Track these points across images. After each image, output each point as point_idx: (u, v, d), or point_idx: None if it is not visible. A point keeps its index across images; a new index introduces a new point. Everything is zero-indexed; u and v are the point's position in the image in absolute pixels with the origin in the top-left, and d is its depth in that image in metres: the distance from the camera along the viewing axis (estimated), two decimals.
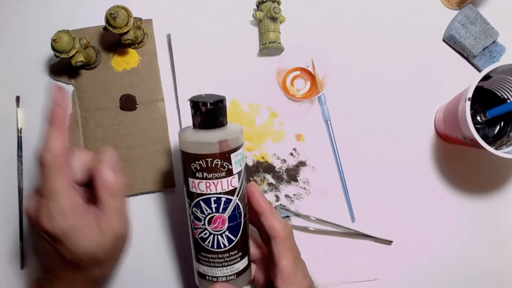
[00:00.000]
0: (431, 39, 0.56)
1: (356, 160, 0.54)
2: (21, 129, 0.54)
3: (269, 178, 0.54)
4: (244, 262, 0.41)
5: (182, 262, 0.53)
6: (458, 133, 0.48)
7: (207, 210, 0.38)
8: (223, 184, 0.38)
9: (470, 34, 0.54)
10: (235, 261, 0.40)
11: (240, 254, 0.40)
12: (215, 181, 0.37)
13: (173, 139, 0.54)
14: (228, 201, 0.38)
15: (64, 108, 0.37)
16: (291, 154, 0.54)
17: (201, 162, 0.37)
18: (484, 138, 0.44)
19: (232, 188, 0.38)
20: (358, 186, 0.54)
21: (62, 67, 0.54)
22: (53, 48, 0.48)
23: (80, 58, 0.49)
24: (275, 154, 0.54)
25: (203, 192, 0.38)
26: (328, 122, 0.54)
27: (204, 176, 0.37)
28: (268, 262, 0.44)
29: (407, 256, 0.54)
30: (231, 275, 0.40)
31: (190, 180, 0.38)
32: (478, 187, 0.55)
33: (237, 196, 0.39)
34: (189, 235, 0.52)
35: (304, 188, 0.54)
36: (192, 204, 0.39)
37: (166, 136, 0.54)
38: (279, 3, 0.53)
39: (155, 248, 0.54)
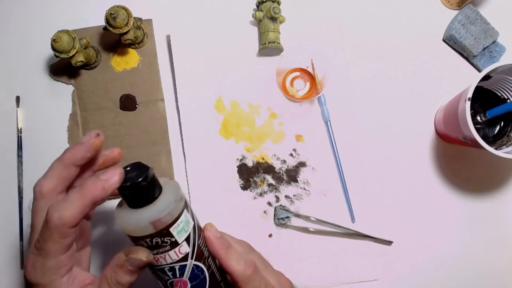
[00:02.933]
0: (431, 39, 0.56)
1: (356, 161, 0.54)
2: (21, 129, 0.54)
3: (269, 178, 0.54)
4: None
5: None
6: (458, 133, 0.48)
7: (165, 277, 0.37)
8: (172, 256, 0.35)
9: (470, 34, 0.54)
10: None
11: None
12: (162, 255, 0.35)
13: (173, 139, 0.54)
14: (183, 267, 0.36)
15: (103, 190, 0.34)
16: (291, 154, 0.54)
17: (142, 242, 0.35)
18: (484, 138, 0.44)
19: (183, 255, 0.36)
20: (358, 187, 0.54)
21: (62, 67, 0.54)
22: (53, 48, 0.48)
23: (80, 58, 0.49)
24: (275, 155, 0.54)
25: (155, 264, 0.36)
26: (328, 122, 0.54)
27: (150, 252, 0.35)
28: None
29: (407, 256, 0.54)
30: None
31: None
32: (478, 187, 0.55)
33: (191, 258, 0.36)
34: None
35: (304, 189, 0.54)
36: (151, 271, 0.38)
37: (166, 136, 0.54)
38: (279, 3, 0.53)
39: None
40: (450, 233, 0.55)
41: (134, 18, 0.50)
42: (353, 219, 0.54)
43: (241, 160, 0.54)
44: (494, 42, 0.54)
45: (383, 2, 0.56)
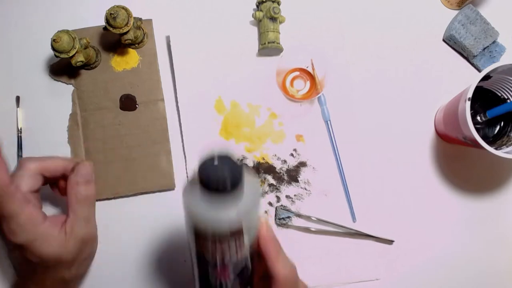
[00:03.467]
0: (431, 39, 0.56)
1: (356, 160, 0.54)
2: (21, 129, 0.54)
3: (270, 179, 0.54)
4: None
5: (182, 262, 0.53)
6: (458, 133, 0.48)
7: (210, 263, 0.35)
8: (231, 251, 0.33)
9: (470, 34, 0.54)
10: None
11: None
12: (224, 250, 0.33)
13: (173, 139, 0.54)
14: (234, 258, 0.34)
15: None
16: (292, 154, 0.54)
17: (210, 240, 0.32)
18: (484, 138, 0.44)
19: (241, 249, 0.34)
20: (358, 186, 0.54)
21: (62, 67, 0.54)
22: (53, 48, 0.48)
23: (80, 58, 0.49)
24: (275, 155, 0.54)
25: (210, 256, 0.34)
26: (328, 122, 0.54)
27: (214, 248, 0.32)
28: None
29: (409, 255, 0.54)
30: None
31: (194, 240, 0.34)
32: (478, 187, 0.55)
33: (246, 252, 0.35)
34: (188, 236, 0.52)
35: (305, 189, 0.54)
36: (195, 257, 0.36)
37: (166, 136, 0.54)
38: (278, 3, 0.53)
39: (155, 248, 0.53)
40: (450, 233, 0.55)
41: (134, 18, 0.50)
42: (354, 218, 0.54)
43: (241, 160, 0.54)
44: (494, 42, 0.54)
45: (383, 2, 0.57)
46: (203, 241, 0.32)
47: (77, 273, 0.44)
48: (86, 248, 0.42)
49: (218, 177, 0.28)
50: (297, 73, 0.56)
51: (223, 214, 0.29)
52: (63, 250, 0.40)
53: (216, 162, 0.28)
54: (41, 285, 0.41)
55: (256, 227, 0.35)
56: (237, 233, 0.31)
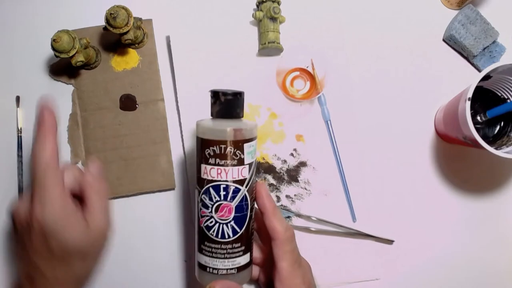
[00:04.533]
0: (431, 39, 0.56)
1: (356, 160, 0.54)
2: (21, 129, 0.54)
3: (270, 178, 0.54)
4: (246, 258, 0.41)
5: (183, 262, 0.53)
6: (458, 133, 0.48)
7: (215, 197, 0.39)
8: (234, 173, 0.38)
9: (470, 34, 0.54)
10: (237, 254, 0.40)
11: (243, 248, 0.40)
12: (226, 168, 0.38)
13: (173, 139, 0.54)
14: (236, 190, 0.39)
15: (53, 117, 0.39)
16: (292, 154, 0.54)
17: (214, 148, 0.38)
18: (484, 138, 0.44)
19: (242, 178, 0.39)
20: (358, 186, 0.54)
21: (62, 67, 0.54)
22: (53, 48, 0.48)
23: (80, 58, 0.49)
24: (275, 155, 0.54)
25: (213, 179, 0.39)
26: (328, 122, 0.54)
27: (216, 162, 0.38)
28: (270, 264, 0.44)
29: (409, 255, 0.54)
30: (232, 268, 0.40)
31: (203, 166, 0.39)
32: (478, 187, 0.55)
33: (246, 187, 0.39)
34: (189, 235, 0.52)
35: (305, 189, 0.54)
36: (202, 191, 0.40)
37: (166, 136, 0.54)
38: (279, 3, 0.53)
39: (155, 249, 0.54)
40: (450, 233, 0.55)
41: (134, 18, 0.50)
42: (354, 218, 0.54)
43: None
44: (494, 42, 0.54)
45: (383, 2, 0.57)
46: (208, 155, 0.38)
47: (90, 271, 0.43)
48: (102, 241, 0.42)
49: (226, 90, 0.39)
50: (297, 73, 0.56)
51: (226, 122, 0.39)
52: (84, 238, 0.39)
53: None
54: (54, 282, 0.39)
55: (255, 166, 0.41)
56: (238, 144, 0.38)
